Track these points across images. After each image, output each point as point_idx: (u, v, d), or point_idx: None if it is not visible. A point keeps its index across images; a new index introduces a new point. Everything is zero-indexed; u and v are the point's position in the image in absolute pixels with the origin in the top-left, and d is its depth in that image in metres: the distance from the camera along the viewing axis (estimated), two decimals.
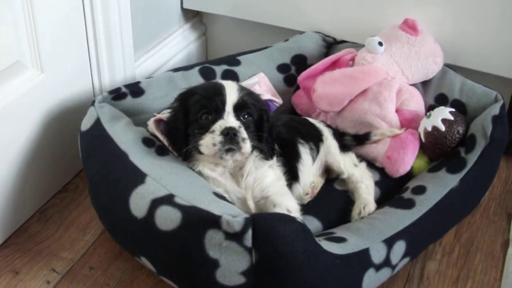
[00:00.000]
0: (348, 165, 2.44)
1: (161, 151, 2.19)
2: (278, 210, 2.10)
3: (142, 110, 2.48)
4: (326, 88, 2.62)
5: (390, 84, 2.61)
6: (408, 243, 2.12)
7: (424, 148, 2.50)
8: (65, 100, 2.50)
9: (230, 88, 2.11)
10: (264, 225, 1.83)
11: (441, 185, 2.28)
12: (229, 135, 2.03)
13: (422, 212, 2.18)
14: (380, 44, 2.67)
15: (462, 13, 2.74)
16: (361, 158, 2.54)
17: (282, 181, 2.22)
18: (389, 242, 2.07)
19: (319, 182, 2.44)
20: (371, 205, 2.31)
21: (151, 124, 2.31)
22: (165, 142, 2.22)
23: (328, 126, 2.60)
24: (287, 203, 2.13)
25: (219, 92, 2.09)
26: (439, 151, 2.45)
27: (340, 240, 2.04)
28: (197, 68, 2.71)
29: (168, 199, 1.95)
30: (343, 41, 3.04)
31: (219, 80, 2.24)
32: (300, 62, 2.95)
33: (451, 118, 2.44)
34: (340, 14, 2.98)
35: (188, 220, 1.89)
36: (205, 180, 2.13)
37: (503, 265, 2.34)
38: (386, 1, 2.85)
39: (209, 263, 1.86)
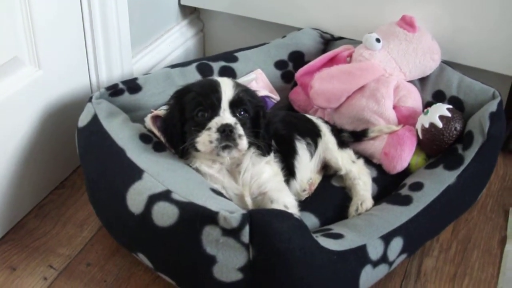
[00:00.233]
0: (346, 161, 2.44)
1: (158, 147, 2.19)
2: (276, 206, 2.10)
3: (139, 107, 2.48)
4: (324, 84, 2.62)
5: (387, 81, 2.61)
6: (405, 240, 2.12)
7: (421, 145, 2.50)
8: (62, 96, 2.50)
9: (226, 85, 2.11)
10: (261, 221, 1.83)
11: (438, 181, 2.28)
12: (226, 132, 2.02)
13: (419, 209, 2.18)
14: (378, 40, 2.67)
15: (460, 10, 2.74)
16: (359, 154, 2.54)
17: (279, 177, 2.22)
18: (386, 239, 2.07)
19: (317, 178, 2.44)
20: (369, 202, 2.31)
21: (148, 120, 2.31)
22: (162, 139, 2.22)
23: (326, 122, 2.60)
24: (285, 199, 2.14)
25: (215, 89, 2.09)
26: (437, 147, 2.45)
27: (337, 236, 2.04)
28: (194, 65, 2.71)
29: (165, 195, 1.95)
30: (340, 38, 3.04)
31: (215, 77, 2.23)
32: (298, 58, 2.95)
33: (449, 114, 2.44)
34: (338, 11, 2.98)
35: (185, 216, 1.88)
36: (202, 176, 2.13)
37: (500, 262, 2.34)
38: None
39: (206, 259, 1.86)
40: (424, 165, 2.45)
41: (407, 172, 2.48)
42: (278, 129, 2.34)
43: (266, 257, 1.83)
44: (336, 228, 2.14)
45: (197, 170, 2.14)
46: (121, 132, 2.21)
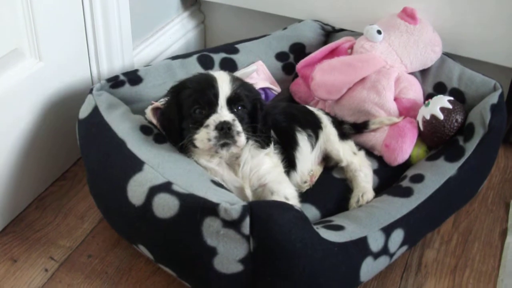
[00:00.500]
0: (347, 153, 2.44)
1: (159, 139, 2.19)
2: (276, 197, 2.10)
3: (140, 98, 2.48)
4: (325, 76, 2.62)
5: (388, 73, 2.61)
6: (406, 232, 2.12)
7: (422, 137, 2.50)
8: (63, 88, 2.50)
9: (222, 80, 2.10)
10: (262, 213, 1.83)
11: (439, 173, 2.27)
12: (224, 130, 2.02)
13: (420, 201, 2.18)
14: (379, 32, 2.66)
15: (461, 2, 2.73)
16: (360, 146, 2.54)
17: (279, 168, 2.22)
18: (387, 230, 2.07)
19: (318, 170, 2.44)
20: (370, 194, 2.31)
21: (148, 112, 2.30)
22: (162, 132, 2.22)
23: (327, 114, 2.60)
24: (285, 191, 2.14)
25: (211, 85, 2.08)
26: (438, 139, 2.45)
27: (338, 228, 2.04)
28: (195, 56, 2.71)
29: (165, 187, 1.95)
30: (341, 30, 3.03)
31: (211, 71, 2.22)
32: (299, 50, 2.95)
33: (450, 106, 2.43)
34: (339, 3, 2.97)
35: (185, 208, 1.89)
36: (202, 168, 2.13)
37: (501, 254, 2.34)
38: None
39: (207, 251, 1.86)
40: (425, 157, 2.45)
41: (408, 164, 2.48)
42: (279, 120, 2.35)
43: (266, 249, 1.84)
44: (337, 219, 2.14)
45: (196, 162, 2.14)
46: (122, 124, 2.21)
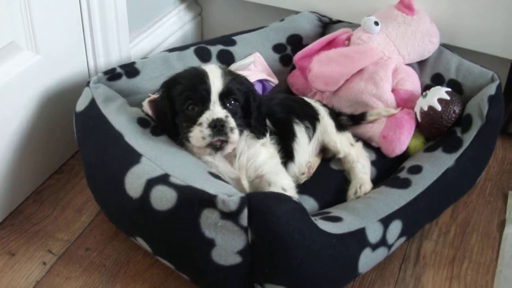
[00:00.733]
0: (345, 144, 2.44)
1: (156, 132, 2.18)
2: (273, 189, 2.10)
3: (137, 91, 2.48)
4: (322, 67, 2.62)
5: (386, 64, 2.60)
6: (404, 223, 2.12)
7: (420, 128, 2.50)
8: (60, 81, 2.49)
9: (214, 75, 2.09)
10: (260, 204, 1.83)
11: (437, 164, 2.27)
12: (217, 127, 2.02)
13: (418, 192, 2.18)
14: (376, 23, 2.66)
15: None
16: (357, 138, 2.53)
17: (276, 159, 2.22)
18: (385, 222, 2.07)
19: (315, 161, 2.44)
20: (367, 185, 2.31)
21: (146, 104, 2.30)
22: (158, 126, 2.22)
23: (324, 105, 2.60)
24: (282, 182, 2.14)
25: (203, 81, 2.07)
26: (435, 130, 2.45)
27: (336, 219, 2.04)
28: (192, 48, 2.71)
29: (163, 179, 1.95)
30: (338, 21, 3.02)
31: (202, 65, 2.20)
32: (296, 42, 2.94)
33: (447, 97, 2.43)
34: None
35: (183, 199, 1.88)
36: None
37: (499, 245, 2.34)
38: None
39: (205, 243, 1.86)
40: (423, 148, 2.45)
41: (405, 155, 2.48)
42: (276, 112, 2.35)
43: (264, 240, 1.84)
44: (335, 211, 2.14)
45: (192, 155, 2.14)
46: (119, 116, 2.20)
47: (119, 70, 2.46)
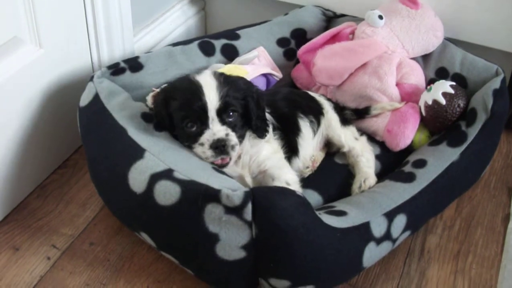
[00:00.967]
0: (349, 138, 2.43)
1: (160, 127, 2.18)
2: (277, 183, 2.10)
3: (141, 85, 2.47)
4: (326, 61, 2.61)
5: (390, 58, 2.60)
6: (409, 217, 2.12)
7: (424, 122, 2.50)
8: (63, 76, 2.49)
9: (209, 88, 2.06)
10: (264, 198, 1.83)
11: (441, 158, 2.27)
12: (219, 148, 2.04)
13: (422, 186, 2.18)
14: (380, 17, 2.65)
15: None
16: (362, 132, 2.53)
17: (279, 154, 2.22)
18: (390, 216, 2.07)
19: (320, 155, 2.43)
20: (372, 179, 2.31)
21: (149, 99, 2.30)
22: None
23: (329, 99, 2.59)
24: (286, 176, 2.13)
25: (198, 97, 2.04)
26: (440, 124, 2.44)
27: (341, 213, 2.04)
28: (196, 42, 2.70)
29: (167, 174, 1.95)
30: (342, 15, 3.02)
31: (196, 75, 2.15)
32: (300, 36, 2.94)
33: (452, 91, 2.43)
34: None
35: (187, 194, 1.88)
36: None
37: (503, 239, 2.34)
38: None
39: (209, 238, 1.86)
40: (427, 142, 2.45)
41: (410, 149, 2.48)
42: (280, 107, 2.34)
43: (269, 235, 1.84)
44: (339, 205, 2.14)
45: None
46: (123, 111, 2.20)
47: (123, 64, 2.46)
